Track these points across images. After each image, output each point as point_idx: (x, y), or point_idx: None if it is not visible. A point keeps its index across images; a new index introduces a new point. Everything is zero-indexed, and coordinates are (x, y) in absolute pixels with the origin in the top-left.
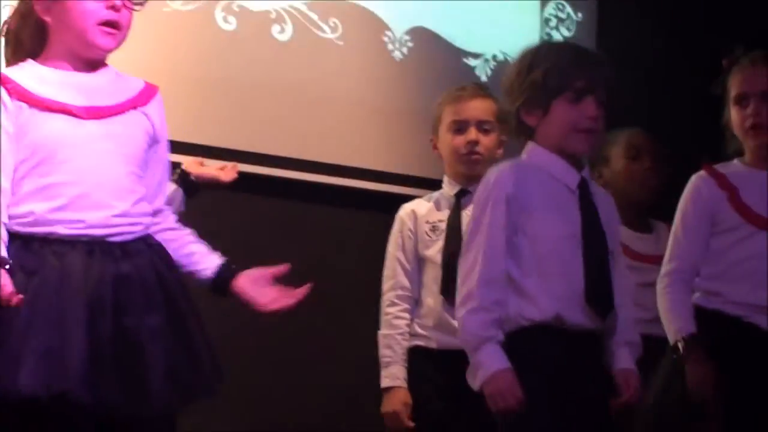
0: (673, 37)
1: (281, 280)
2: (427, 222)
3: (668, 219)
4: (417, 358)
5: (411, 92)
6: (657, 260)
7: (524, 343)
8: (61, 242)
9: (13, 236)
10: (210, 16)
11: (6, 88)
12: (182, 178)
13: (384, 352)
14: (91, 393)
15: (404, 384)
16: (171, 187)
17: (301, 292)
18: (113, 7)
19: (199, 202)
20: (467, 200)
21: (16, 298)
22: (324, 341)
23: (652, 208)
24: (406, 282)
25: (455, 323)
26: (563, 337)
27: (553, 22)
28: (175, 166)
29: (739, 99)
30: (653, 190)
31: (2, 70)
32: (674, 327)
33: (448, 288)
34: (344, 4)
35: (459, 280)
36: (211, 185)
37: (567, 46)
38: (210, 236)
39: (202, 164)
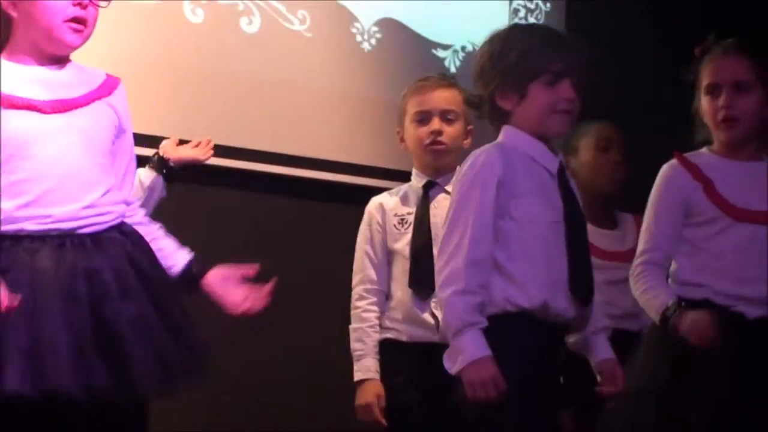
0: (642, 27)
1: (251, 279)
2: (396, 215)
3: (632, 210)
4: (388, 350)
5: (380, 84)
6: (624, 257)
7: (509, 330)
8: (31, 238)
9: None
10: (178, 9)
11: None
12: (161, 164)
13: (355, 346)
14: (81, 386)
15: (376, 376)
16: (151, 175)
17: (267, 291)
18: (80, 4)
19: (167, 195)
20: (435, 192)
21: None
22: (297, 335)
23: (617, 200)
24: (374, 275)
25: (424, 316)
26: (543, 326)
27: (522, 13)
28: (145, 159)
29: (711, 89)
30: (620, 183)
31: None
32: (657, 302)
33: (416, 281)
34: None
35: (440, 261)
36: (189, 165)
37: (540, 28)
38: (179, 231)
39: (177, 144)
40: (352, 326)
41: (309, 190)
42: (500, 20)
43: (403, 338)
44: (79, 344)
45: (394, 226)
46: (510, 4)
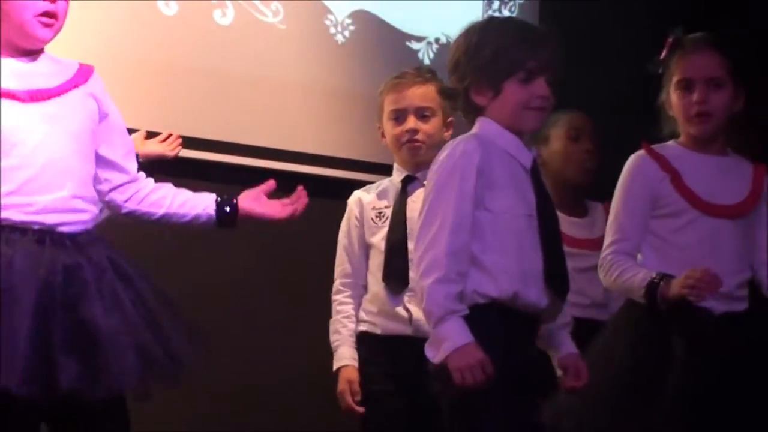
0: (616, 19)
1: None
2: (374, 209)
3: (600, 199)
4: (364, 342)
5: (354, 76)
6: (593, 245)
7: (478, 322)
8: (13, 229)
9: None
10: (151, 2)
11: None
12: None
13: (332, 338)
14: (38, 385)
15: (351, 362)
16: None
17: (302, 197)
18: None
19: None
20: (414, 187)
21: None
22: (277, 328)
23: (587, 189)
24: (351, 269)
25: (398, 310)
26: (516, 316)
27: (496, 5)
28: None
29: (684, 84)
30: (590, 173)
31: None
32: (639, 278)
33: (389, 275)
34: None
35: (419, 249)
36: (157, 160)
37: (516, 24)
38: (155, 225)
39: (145, 137)
40: (331, 319)
41: (282, 183)
42: (474, 12)
43: (378, 331)
44: (47, 341)
45: (372, 219)
46: None
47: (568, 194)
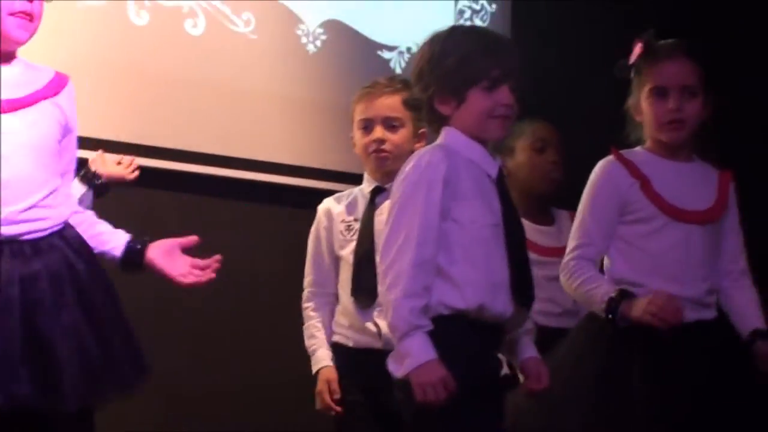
0: (586, 28)
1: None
2: (343, 221)
3: (566, 207)
4: (336, 353)
5: (325, 85)
6: (561, 252)
7: (443, 334)
8: None
9: None
10: (122, 11)
11: None
12: (91, 178)
13: (308, 342)
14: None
15: (330, 363)
16: (81, 188)
17: (213, 264)
18: None
19: (112, 198)
20: (382, 198)
21: None
22: (244, 338)
23: (552, 199)
24: (320, 278)
25: (367, 325)
26: (481, 327)
27: (467, 14)
28: (83, 164)
29: (659, 92)
30: (556, 184)
31: None
32: (600, 291)
33: (358, 290)
34: None
35: (384, 262)
36: (117, 181)
37: (479, 33)
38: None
39: (103, 159)
40: (304, 326)
41: (253, 193)
42: (445, 21)
43: (350, 343)
44: (4, 351)
45: (341, 232)
46: (455, 5)
47: (534, 204)
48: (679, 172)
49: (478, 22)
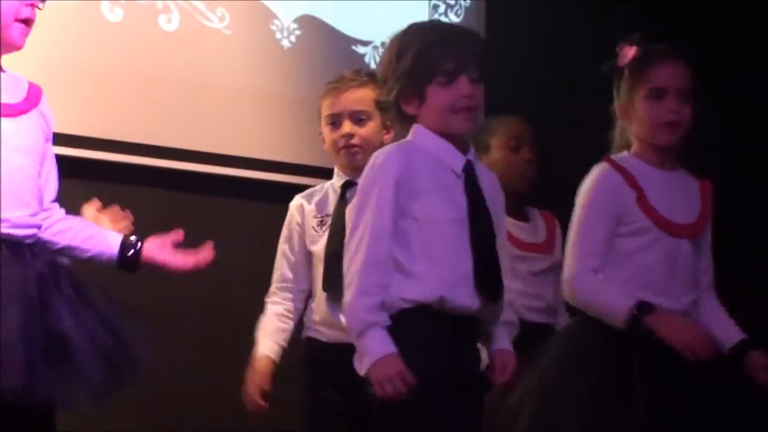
0: (562, 22)
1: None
2: (315, 216)
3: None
4: (310, 348)
5: (300, 81)
6: (542, 248)
7: (406, 327)
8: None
9: None
10: (96, 7)
11: None
12: None
13: (257, 332)
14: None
15: (268, 354)
16: None
17: (208, 251)
18: (32, 5)
19: (91, 196)
20: (352, 193)
21: None
22: (219, 333)
23: (527, 196)
24: (289, 274)
25: (340, 318)
26: (446, 319)
27: (442, 8)
28: (64, 159)
29: (657, 93)
30: (532, 181)
31: None
32: (620, 304)
33: (329, 284)
34: None
35: (345, 263)
36: None
37: (432, 27)
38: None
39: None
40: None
41: (228, 188)
42: (420, 16)
43: (323, 339)
44: (32, 349)
45: (313, 228)
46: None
47: (511, 202)
48: (667, 182)
49: (452, 17)
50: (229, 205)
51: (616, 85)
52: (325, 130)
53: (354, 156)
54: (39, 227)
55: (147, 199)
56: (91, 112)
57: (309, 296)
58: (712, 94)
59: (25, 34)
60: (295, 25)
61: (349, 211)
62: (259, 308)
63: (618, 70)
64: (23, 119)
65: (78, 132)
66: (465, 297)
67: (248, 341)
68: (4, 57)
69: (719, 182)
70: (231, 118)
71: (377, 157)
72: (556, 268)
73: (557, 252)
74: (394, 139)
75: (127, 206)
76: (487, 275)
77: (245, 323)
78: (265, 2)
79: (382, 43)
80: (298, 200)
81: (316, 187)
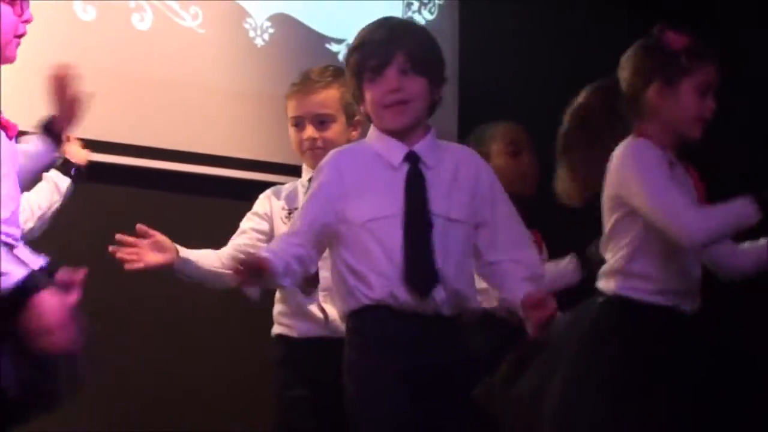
0: (536, 19)
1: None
2: (284, 209)
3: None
4: (280, 345)
5: (273, 79)
6: None
7: (365, 324)
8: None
9: None
10: (68, 7)
11: None
12: (68, 167)
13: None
14: None
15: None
16: (66, 181)
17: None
18: (26, 21)
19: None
20: None
21: None
22: (185, 331)
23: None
24: (243, 245)
25: (311, 308)
26: (403, 314)
27: (415, 6)
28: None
29: (705, 89)
30: (534, 184)
31: None
32: (736, 206)
33: None
34: None
35: None
36: None
37: (366, 27)
38: (77, 230)
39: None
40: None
41: (202, 186)
42: (394, 13)
43: (294, 334)
44: None
45: (282, 219)
46: None
47: (518, 206)
48: (680, 170)
49: (426, 14)
50: (203, 203)
51: (638, 63)
52: (290, 130)
53: (318, 158)
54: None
55: (118, 197)
56: None
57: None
58: None
59: (17, 49)
60: (268, 23)
61: None
62: (229, 307)
63: (655, 50)
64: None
65: None
66: (407, 294)
67: (218, 333)
68: None
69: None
70: (204, 116)
71: (323, 159)
72: None
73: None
74: (361, 136)
75: (96, 204)
76: (416, 269)
77: (211, 322)
78: (239, 1)
79: None
80: (270, 191)
81: (286, 185)
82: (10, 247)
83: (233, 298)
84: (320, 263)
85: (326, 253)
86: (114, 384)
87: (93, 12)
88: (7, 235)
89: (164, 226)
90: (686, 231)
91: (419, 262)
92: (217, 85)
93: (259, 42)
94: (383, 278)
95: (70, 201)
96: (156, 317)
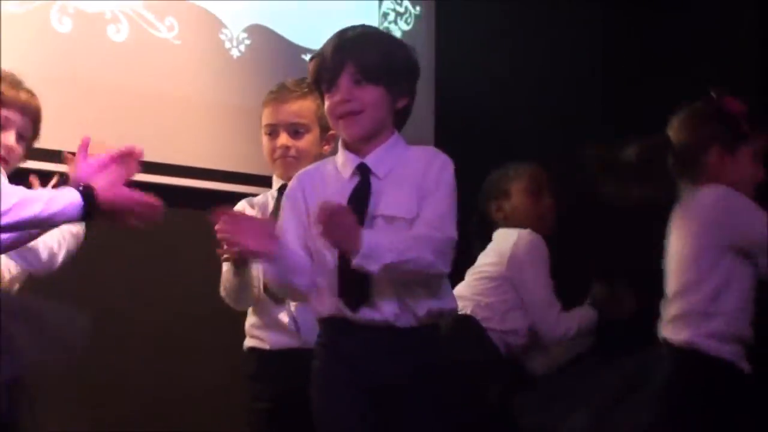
0: (512, 30)
1: None
2: None
3: None
4: (252, 358)
5: (250, 90)
6: None
7: (326, 331)
8: None
9: None
10: (45, 18)
11: None
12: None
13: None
14: None
15: None
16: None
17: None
18: None
19: None
20: None
21: None
22: (154, 340)
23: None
24: None
25: (283, 319)
26: (357, 327)
27: (392, 16)
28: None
29: (760, 155)
30: (551, 225)
31: None
32: None
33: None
34: (180, 3)
35: None
36: None
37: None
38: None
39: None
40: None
41: (177, 198)
42: (370, 23)
43: (266, 346)
44: None
45: None
46: (380, 7)
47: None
48: None
49: (402, 25)
50: (178, 215)
51: (697, 128)
52: (263, 139)
53: (289, 167)
54: None
55: None
56: (42, 123)
57: None
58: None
59: None
60: (244, 35)
61: None
62: (202, 316)
63: (714, 115)
64: None
65: None
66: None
67: (193, 343)
68: None
69: None
70: (180, 127)
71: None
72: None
73: None
74: (334, 150)
75: None
76: (348, 283)
77: (182, 329)
78: (214, 12)
79: None
80: (242, 203)
81: (258, 196)
82: None
83: (211, 301)
84: None
85: None
86: (109, 385)
87: (69, 23)
88: None
89: (136, 236)
90: None
91: (351, 276)
92: (192, 96)
93: (235, 53)
94: (331, 292)
95: None
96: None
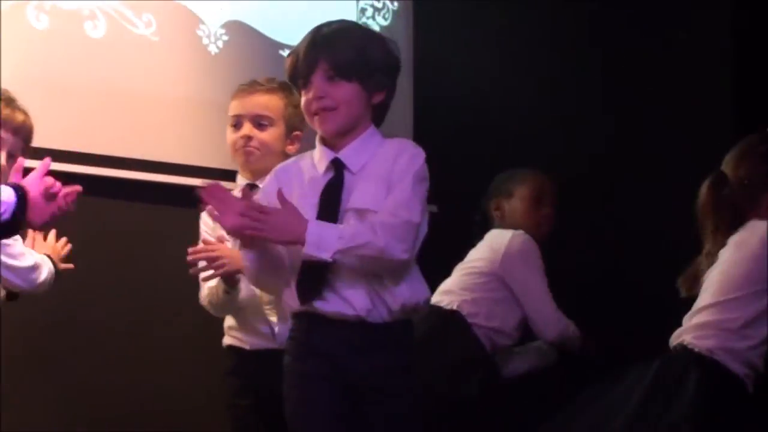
0: (490, 24)
1: None
2: None
3: None
4: (231, 355)
5: (228, 86)
6: None
7: (296, 327)
8: None
9: None
10: (21, 15)
11: None
12: None
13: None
14: None
15: None
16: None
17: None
18: None
19: None
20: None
21: None
22: (135, 337)
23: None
24: None
25: (259, 324)
26: (327, 322)
27: (369, 12)
28: None
29: None
30: (547, 234)
31: None
32: None
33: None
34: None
35: None
36: None
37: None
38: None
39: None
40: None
41: (156, 195)
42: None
43: (246, 347)
44: None
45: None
46: (357, 3)
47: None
48: None
49: (380, 20)
50: (158, 212)
51: (758, 166)
52: (228, 131)
53: (249, 156)
54: None
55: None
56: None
57: None
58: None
59: None
60: (222, 31)
61: None
62: (176, 312)
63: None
64: None
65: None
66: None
67: (164, 345)
68: None
69: None
70: (158, 123)
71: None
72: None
73: None
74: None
75: None
76: (305, 277)
77: (162, 327)
78: (192, 8)
79: None
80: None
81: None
82: None
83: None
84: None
85: None
86: (85, 384)
87: (46, 20)
88: None
89: (115, 233)
90: None
91: (308, 270)
92: (170, 93)
93: (213, 49)
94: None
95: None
96: (108, 322)
